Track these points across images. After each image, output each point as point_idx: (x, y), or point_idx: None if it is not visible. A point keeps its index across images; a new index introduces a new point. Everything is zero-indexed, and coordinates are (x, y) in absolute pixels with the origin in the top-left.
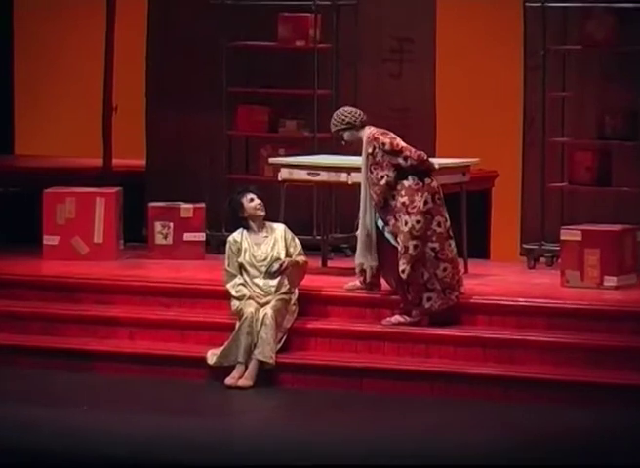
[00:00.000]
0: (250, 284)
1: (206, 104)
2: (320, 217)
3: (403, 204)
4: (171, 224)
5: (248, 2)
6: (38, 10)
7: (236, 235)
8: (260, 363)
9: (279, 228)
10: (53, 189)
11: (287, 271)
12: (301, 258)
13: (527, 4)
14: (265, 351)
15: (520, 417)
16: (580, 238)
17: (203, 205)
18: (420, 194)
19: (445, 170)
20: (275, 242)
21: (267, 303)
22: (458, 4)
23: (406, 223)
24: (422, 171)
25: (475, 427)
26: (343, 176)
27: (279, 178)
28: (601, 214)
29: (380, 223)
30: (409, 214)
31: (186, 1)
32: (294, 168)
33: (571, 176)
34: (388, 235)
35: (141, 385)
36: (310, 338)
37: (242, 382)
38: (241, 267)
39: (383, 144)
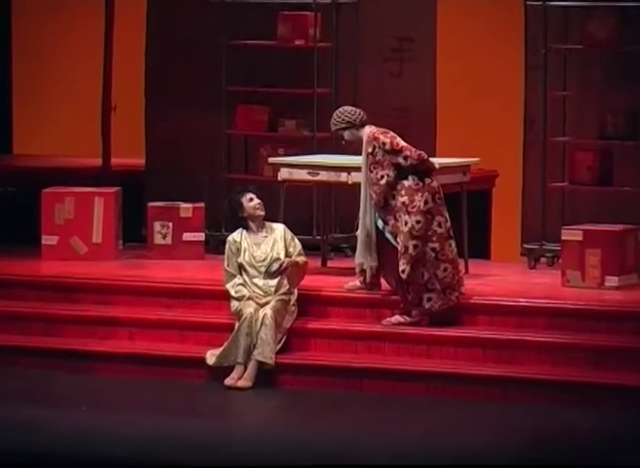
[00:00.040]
0: (249, 284)
1: (205, 104)
2: (320, 217)
3: (403, 203)
4: (170, 224)
5: (247, 0)
6: (37, 9)
7: (235, 235)
8: (260, 363)
9: (279, 228)
10: (51, 189)
11: (286, 271)
12: (301, 258)
13: (528, 3)
14: (265, 352)
15: (520, 418)
16: (581, 238)
17: (202, 205)
18: (420, 194)
19: (445, 169)
20: (275, 242)
21: (267, 304)
22: (458, 3)
23: (406, 223)
24: (423, 170)
25: (475, 428)
26: (343, 176)
27: (279, 178)
28: (602, 214)
29: (380, 223)
30: (409, 213)
31: (186, 0)
32: (293, 167)
33: (572, 176)
34: (388, 235)
35: (141, 386)
36: (310, 339)
37: (241, 383)
38: (240, 267)
39: (384, 144)
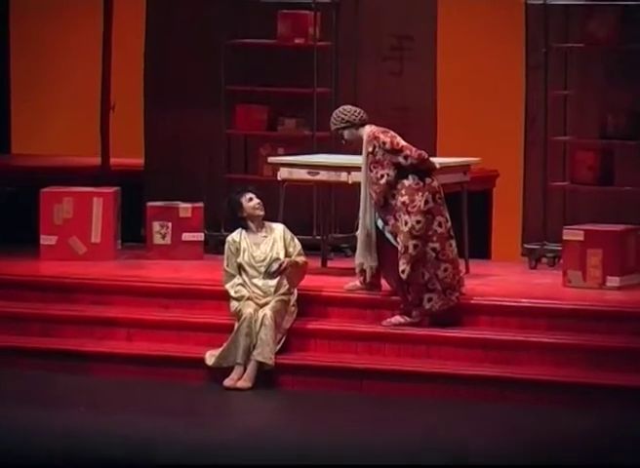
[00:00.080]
0: (249, 284)
1: (204, 103)
2: (320, 217)
3: (403, 203)
4: (169, 224)
5: None
6: (36, 9)
7: (235, 235)
8: (260, 364)
9: (278, 228)
10: (50, 189)
11: (286, 271)
12: (301, 259)
13: (528, 2)
14: (264, 352)
15: (521, 419)
16: (582, 238)
17: (201, 204)
18: (420, 193)
19: (446, 169)
20: (274, 242)
21: (266, 304)
22: (458, 2)
23: (406, 223)
24: (423, 170)
25: (476, 428)
26: (343, 176)
27: (278, 178)
28: (603, 214)
29: (380, 223)
30: (409, 213)
31: None
32: (293, 167)
33: (573, 176)
34: (388, 235)
35: (139, 386)
36: (310, 339)
37: (241, 384)
38: (240, 267)
39: (384, 143)
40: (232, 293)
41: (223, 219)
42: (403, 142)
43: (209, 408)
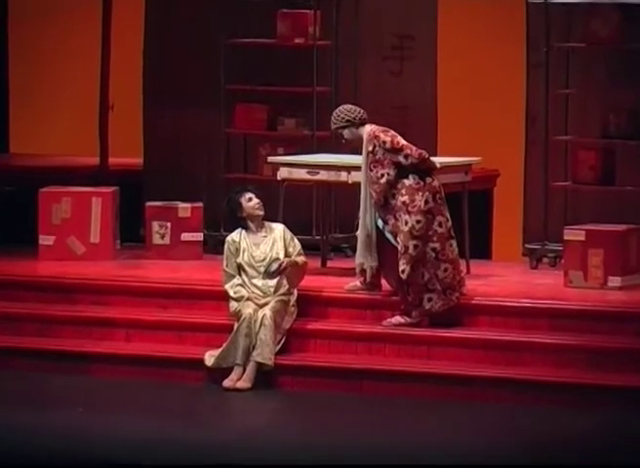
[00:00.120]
0: (248, 284)
1: (203, 102)
2: (320, 217)
3: (403, 203)
4: (168, 224)
5: None
6: (35, 10)
7: (234, 235)
8: (259, 365)
9: (278, 228)
10: (48, 189)
11: (286, 271)
12: (301, 259)
13: (530, 1)
14: (264, 353)
15: (521, 419)
16: (583, 238)
17: (201, 204)
18: (420, 193)
19: (446, 169)
20: (274, 242)
21: (266, 304)
22: (459, 1)
23: (406, 223)
24: (423, 169)
25: (476, 429)
26: (343, 175)
27: (278, 177)
28: (605, 214)
29: (380, 223)
30: (409, 213)
31: None
32: (293, 167)
33: (574, 175)
34: (388, 234)
35: (138, 387)
36: (310, 340)
37: (240, 384)
38: (239, 268)
39: (384, 142)
40: (232, 294)
41: (223, 219)
42: (403, 142)
43: (208, 408)
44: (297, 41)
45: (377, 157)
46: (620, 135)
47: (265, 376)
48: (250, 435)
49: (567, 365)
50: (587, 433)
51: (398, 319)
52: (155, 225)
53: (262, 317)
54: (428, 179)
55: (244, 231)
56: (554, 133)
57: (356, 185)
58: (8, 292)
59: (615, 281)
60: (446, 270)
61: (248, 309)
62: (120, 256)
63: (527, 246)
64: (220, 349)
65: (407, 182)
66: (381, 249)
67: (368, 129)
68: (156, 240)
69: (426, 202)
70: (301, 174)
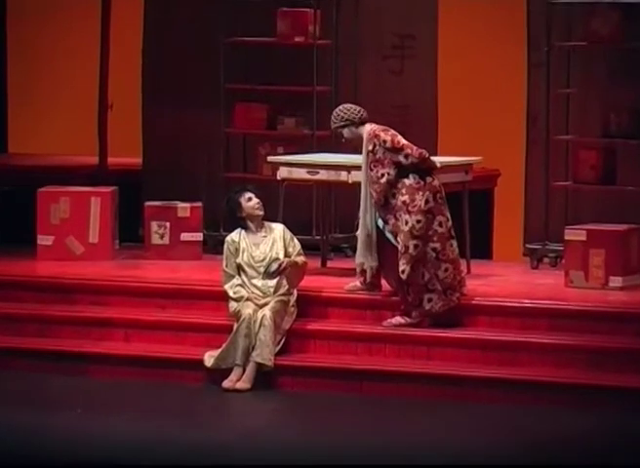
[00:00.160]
0: (248, 285)
1: (203, 102)
2: (320, 217)
3: (404, 202)
4: (167, 224)
5: None
6: (33, 8)
7: (234, 235)
8: (259, 365)
9: (278, 228)
10: (47, 188)
11: (286, 271)
12: (301, 259)
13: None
14: (264, 353)
15: (522, 420)
16: (584, 238)
17: (200, 204)
18: (421, 193)
19: (447, 168)
20: (274, 242)
21: (266, 304)
22: (459, 1)
23: (406, 222)
24: (424, 169)
25: (477, 430)
26: (343, 175)
27: (278, 177)
28: (606, 214)
29: (381, 222)
30: (409, 213)
31: None
32: (293, 166)
33: (575, 175)
34: (388, 234)
35: (137, 388)
36: (310, 340)
37: (240, 385)
38: (239, 268)
39: (384, 142)
40: (231, 294)
41: (222, 219)
42: (404, 141)
43: (207, 409)
44: (296, 40)
45: (377, 156)
46: (621, 134)
47: (265, 377)
48: (249, 436)
49: (567, 365)
50: (587, 433)
51: (398, 319)
52: (154, 225)
53: (262, 317)
54: (429, 179)
55: (243, 231)
56: (555, 132)
57: (356, 185)
58: (6, 293)
59: (616, 281)
60: (446, 270)
61: (247, 309)
62: (119, 257)
63: (528, 246)
64: (220, 350)
65: (407, 182)
66: (382, 249)
67: (368, 128)
68: (155, 240)
69: (427, 201)
70: (301, 173)
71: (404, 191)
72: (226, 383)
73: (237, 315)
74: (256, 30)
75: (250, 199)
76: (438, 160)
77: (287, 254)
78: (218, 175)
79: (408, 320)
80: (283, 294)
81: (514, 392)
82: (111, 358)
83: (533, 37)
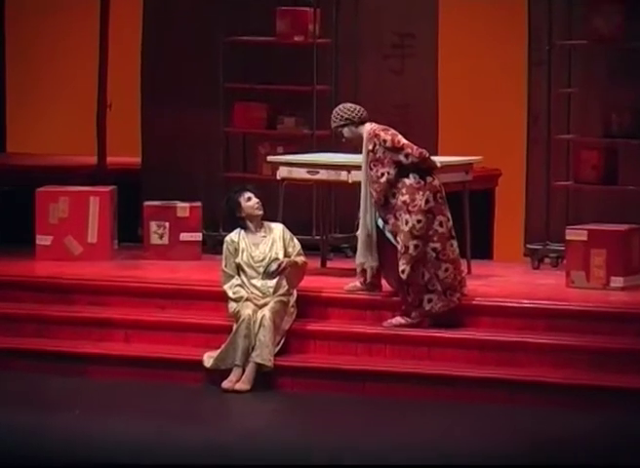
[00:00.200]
0: (247, 285)
1: (202, 101)
2: (319, 217)
3: (404, 202)
4: (166, 224)
5: None
6: (32, 7)
7: (233, 235)
8: (258, 366)
9: (277, 228)
10: (45, 188)
11: (285, 271)
12: (300, 259)
13: None
14: (263, 354)
15: (523, 421)
16: (585, 238)
17: (199, 204)
18: (421, 193)
19: (447, 168)
20: (273, 242)
21: (265, 305)
22: (459, 0)
23: (406, 222)
24: (424, 169)
25: (478, 430)
26: (343, 175)
27: (277, 177)
28: (607, 214)
29: (381, 222)
30: (410, 212)
31: None
32: (292, 166)
33: (576, 175)
34: (388, 234)
35: (136, 389)
36: (309, 341)
37: (239, 386)
38: (238, 268)
39: (384, 141)
40: (231, 294)
41: (222, 219)
42: (404, 140)
43: (207, 410)
44: (296, 39)
45: (377, 156)
46: (623, 134)
47: (265, 378)
48: (249, 436)
49: (568, 365)
50: (589, 434)
51: (399, 320)
52: (153, 225)
53: (262, 318)
54: (429, 179)
55: (243, 231)
56: (556, 132)
57: (356, 185)
58: (5, 293)
59: (617, 281)
60: (446, 270)
61: (247, 310)
62: (118, 257)
63: (528, 246)
64: (219, 350)
65: (407, 181)
66: (382, 249)
67: (368, 127)
68: (154, 240)
69: (427, 201)
70: (301, 173)
71: (404, 191)
72: (226, 384)
73: (237, 315)
74: (255, 29)
75: (249, 199)
76: (438, 159)
77: (286, 254)
78: (217, 174)
79: (408, 320)
80: (283, 295)
81: (515, 393)
82: (110, 358)
83: (534, 36)
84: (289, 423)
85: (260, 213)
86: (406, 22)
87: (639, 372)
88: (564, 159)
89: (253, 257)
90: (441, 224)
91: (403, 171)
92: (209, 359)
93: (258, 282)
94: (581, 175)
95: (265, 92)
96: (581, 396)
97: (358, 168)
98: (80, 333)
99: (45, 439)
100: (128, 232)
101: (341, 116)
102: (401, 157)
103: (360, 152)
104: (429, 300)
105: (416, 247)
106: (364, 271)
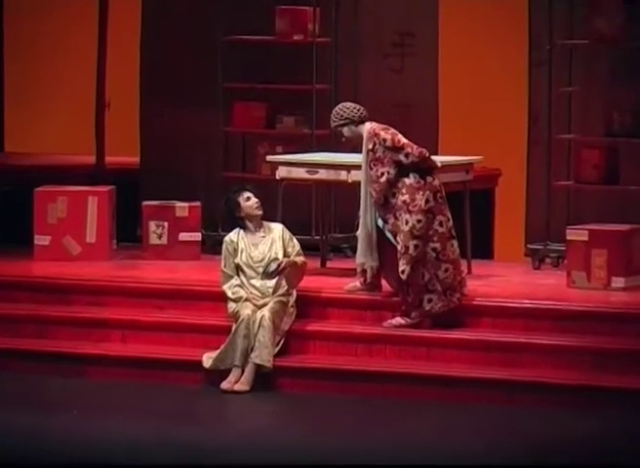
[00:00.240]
0: (247, 285)
1: (201, 101)
2: (319, 217)
3: (404, 202)
4: (165, 224)
5: None
6: (30, 5)
7: (232, 235)
8: (258, 366)
9: (277, 228)
10: (44, 188)
11: (285, 271)
12: (300, 259)
13: None
14: (263, 354)
15: (524, 421)
16: (586, 238)
17: (198, 204)
18: (421, 192)
19: (447, 168)
20: (273, 242)
21: (265, 305)
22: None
23: (407, 222)
24: (424, 168)
25: (478, 431)
26: (343, 175)
27: (277, 177)
28: (608, 214)
29: (380, 222)
30: (410, 212)
31: None
32: (292, 166)
33: (577, 175)
34: (388, 234)
35: (134, 390)
36: (309, 341)
37: (238, 387)
38: (238, 268)
39: (384, 140)
40: (230, 295)
41: (221, 219)
42: (404, 140)
43: (206, 411)
44: (296, 38)
45: (377, 155)
46: (624, 133)
47: (264, 378)
48: (248, 438)
49: (569, 366)
50: (590, 435)
51: (399, 320)
52: (152, 225)
53: (261, 318)
54: (429, 178)
55: (242, 231)
56: (557, 131)
57: (356, 184)
58: (3, 293)
59: (618, 282)
60: (446, 270)
61: (246, 310)
62: (116, 257)
63: (529, 246)
64: (218, 351)
65: (407, 181)
66: (382, 249)
67: (368, 126)
68: (153, 240)
69: (427, 201)
70: (301, 173)
71: (404, 190)
72: (225, 385)
73: (236, 316)
74: (254, 28)
75: (248, 198)
76: (439, 159)
77: (286, 255)
78: (216, 174)
79: (408, 321)
80: (282, 295)
81: (516, 393)
82: (109, 359)
83: (534, 35)
84: (288, 424)
85: (260, 212)
86: (406, 21)
87: None
88: (565, 158)
89: (252, 258)
90: (441, 224)
91: (403, 170)
92: (208, 359)
93: (257, 282)
94: (582, 174)
95: (265, 91)
96: (582, 396)
97: (358, 167)
98: (79, 334)
99: (43, 439)
100: (126, 232)
101: (341, 115)
102: (401, 156)
103: (360, 152)
104: (429, 300)
105: (416, 247)
106: (364, 271)
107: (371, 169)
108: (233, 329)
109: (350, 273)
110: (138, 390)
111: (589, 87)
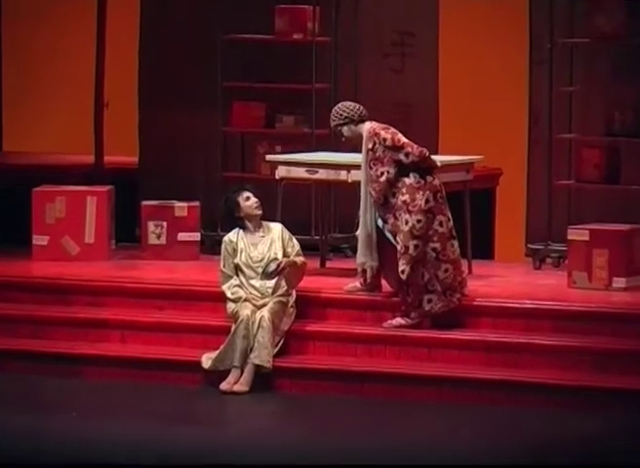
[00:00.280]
0: (246, 285)
1: (200, 100)
2: (319, 217)
3: (404, 202)
4: (164, 224)
5: None
6: (28, 7)
7: (232, 235)
8: (257, 367)
9: (276, 228)
10: (42, 188)
11: (284, 272)
12: (300, 259)
13: None
14: (262, 355)
15: (525, 422)
16: (587, 238)
17: (198, 204)
18: (421, 192)
19: (448, 167)
20: (272, 242)
21: (264, 305)
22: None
23: (406, 222)
24: (424, 168)
25: (479, 432)
26: (343, 174)
27: (276, 176)
28: (609, 213)
29: (380, 222)
30: (409, 212)
31: None
32: (291, 165)
33: (578, 174)
34: (387, 234)
35: (133, 390)
36: (309, 342)
37: (238, 387)
38: (237, 268)
39: (384, 140)
40: (229, 295)
41: (220, 219)
42: (404, 139)
43: (205, 412)
44: (295, 37)
45: (377, 155)
46: (625, 132)
47: (263, 379)
48: (248, 438)
49: (570, 367)
50: (592, 436)
51: (399, 320)
52: (151, 225)
53: (260, 318)
54: (429, 178)
55: (241, 231)
56: (558, 130)
57: (356, 184)
58: (1, 294)
59: (619, 282)
60: (446, 271)
61: (246, 310)
62: (115, 257)
63: (530, 246)
64: (218, 351)
65: (407, 181)
66: (382, 248)
67: (368, 126)
68: (152, 240)
69: (427, 201)
70: (300, 172)
71: (404, 190)
72: (224, 385)
73: (235, 316)
74: (254, 27)
75: (248, 198)
76: (439, 159)
77: (285, 255)
78: (215, 174)
79: (408, 321)
80: (282, 295)
81: (516, 394)
82: (107, 360)
83: (535, 34)
84: (288, 425)
85: (259, 212)
86: (406, 21)
87: None
88: (566, 158)
89: (251, 258)
90: (441, 224)
91: (403, 170)
92: (207, 360)
93: (256, 282)
94: (583, 174)
95: (264, 90)
96: (583, 397)
97: (358, 167)
98: (77, 334)
99: (41, 440)
100: (125, 232)
101: (341, 115)
102: (401, 156)
103: (360, 151)
104: (429, 301)
105: (415, 247)
106: (364, 271)
107: (371, 168)
108: (232, 329)
109: (350, 273)
110: (136, 391)
111: (590, 85)
